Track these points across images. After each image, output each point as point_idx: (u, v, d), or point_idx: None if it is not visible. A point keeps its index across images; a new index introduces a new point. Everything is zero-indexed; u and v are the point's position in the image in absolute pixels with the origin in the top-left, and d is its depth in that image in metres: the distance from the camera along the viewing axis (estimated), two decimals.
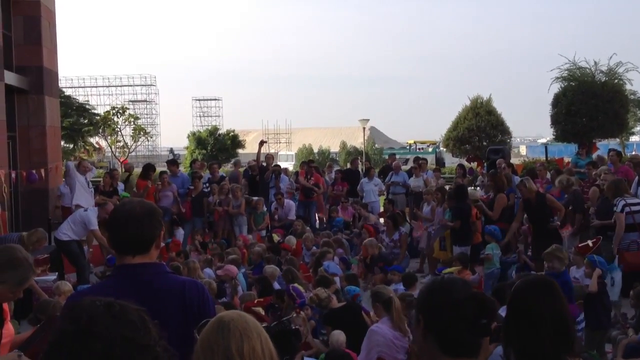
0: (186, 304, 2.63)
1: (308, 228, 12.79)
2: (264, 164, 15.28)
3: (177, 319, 2.58)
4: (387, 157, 27.95)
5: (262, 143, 15.93)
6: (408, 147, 50.45)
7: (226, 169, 32.60)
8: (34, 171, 13.60)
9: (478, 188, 14.32)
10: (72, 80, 70.43)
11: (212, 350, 1.87)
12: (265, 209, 13.91)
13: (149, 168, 13.65)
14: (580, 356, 3.45)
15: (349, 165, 18.99)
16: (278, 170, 15.29)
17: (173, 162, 14.96)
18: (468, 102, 28.21)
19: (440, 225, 10.81)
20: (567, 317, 2.67)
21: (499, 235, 9.70)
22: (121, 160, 34.10)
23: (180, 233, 12.74)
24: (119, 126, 33.92)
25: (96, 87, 74.83)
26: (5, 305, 3.64)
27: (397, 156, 33.22)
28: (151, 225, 2.64)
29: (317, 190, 15.06)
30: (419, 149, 46.10)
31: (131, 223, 2.59)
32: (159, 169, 16.25)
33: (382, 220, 13.53)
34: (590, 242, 8.45)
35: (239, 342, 1.86)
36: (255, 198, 13.98)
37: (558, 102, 24.57)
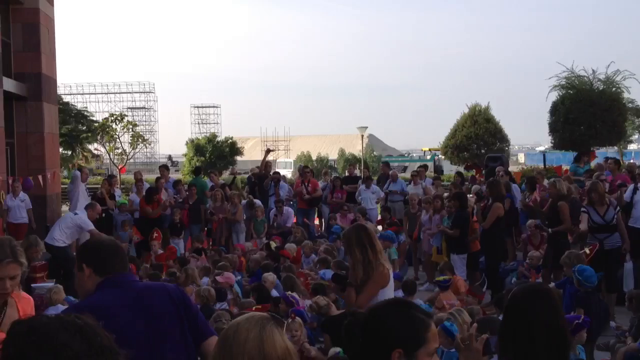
0: (173, 299, 2.92)
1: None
2: (263, 171, 15.32)
3: (171, 312, 2.87)
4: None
5: (268, 151, 16.12)
6: (423, 154, 50.28)
7: (224, 176, 32.56)
8: (29, 177, 13.60)
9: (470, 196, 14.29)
10: (70, 87, 70.71)
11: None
12: (264, 216, 13.93)
13: (153, 192, 13.38)
14: None
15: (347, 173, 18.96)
16: (277, 178, 15.31)
17: (166, 167, 15.27)
18: (466, 110, 28.26)
19: (439, 231, 10.79)
20: (563, 325, 2.67)
21: (394, 238, 9.68)
22: (119, 168, 34.07)
23: (178, 242, 12.75)
24: (117, 133, 33.86)
25: (95, 94, 75.06)
26: None
27: (396, 164, 33.21)
28: (126, 258, 3.14)
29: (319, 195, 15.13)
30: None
31: (118, 249, 3.05)
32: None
33: (379, 227, 13.50)
34: (587, 250, 8.44)
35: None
36: (257, 201, 13.99)
37: (556, 110, 24.58)
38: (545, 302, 2.65)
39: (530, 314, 2.60)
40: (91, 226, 10.24)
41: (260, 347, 1.80)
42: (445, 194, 12.89)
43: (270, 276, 8.62)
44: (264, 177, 15.09)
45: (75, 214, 10.66)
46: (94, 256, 2.95)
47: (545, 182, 13.46)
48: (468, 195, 12.30)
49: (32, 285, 8.96)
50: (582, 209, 9.03)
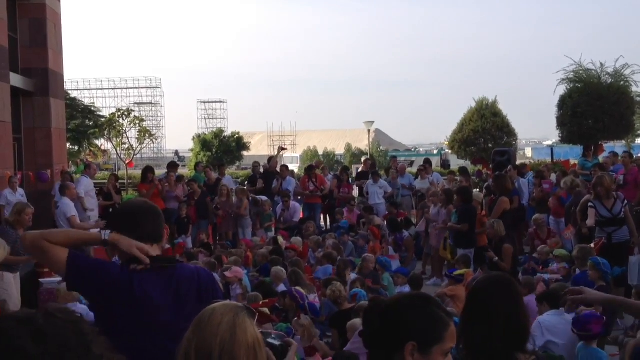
0: (202, 288, 2.88)
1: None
2: (267, 167, 15.41)
3: (195, 301, 2.81)
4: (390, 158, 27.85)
5: (281, 149, 16.27)
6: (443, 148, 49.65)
7: (231, 171, 32.59)
8: (44, 171, 13.62)
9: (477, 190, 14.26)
10: (77, 82, 70.94)
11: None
12: (271, 210, 13.95)
13: (147, 171, 13.62)
14: (536, 355, 3.46)
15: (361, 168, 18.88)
16: (282, 174, 15.34)
17: (174, 165, 15.05)
18: (473, 104, 28.12)
19: (446, 227, 10.75)
20: (522, 316, 2.71)
21: (390, 265, 9.51)
22: (126, 162, 34.13)
23: (186, 239, 12.76)
24: (124, 128, 33.90)
25: (102, 89, 75.37)
26: None
27: (403, 158, 33.17)
28: (161, 218, 2.96)
29: (325, 190, 15.12)
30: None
31: (149, 215, 2.88)
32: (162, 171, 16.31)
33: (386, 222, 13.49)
34: (592, 244, 8.43)
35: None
36: (263, 198, 14.01)
37: (564, 103, 24.45)
38: (505, 292, 2.70)
39: (490, 303, 2.66)
40: (73, 212, 10.27)
41: (232, 331, 1.93)
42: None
43: (276, 270, 8.62)
44: (271, 174, 15.15)
45: (57, 207, 10.73)
46: (123, 222, 2.84)
47: (553, 177, 13.43)
48: (476, 190, 12.29)
49: (40, 279, 8.99)
50: (589, 204, 8.98)
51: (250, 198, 13.96)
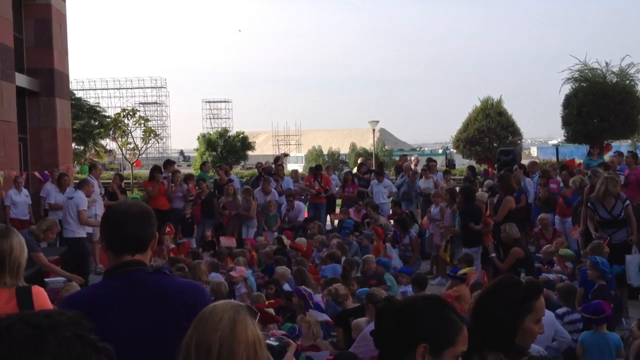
0: (187, 305, 2.54)
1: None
2: (271, 169, 15.50)
3: (176, 320, 2.49)
4: (397, 158, 27.79)
5: (284, 155, 16.62)
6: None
7: (236, 170, 32.60)
8: (45, 172, 13.65)
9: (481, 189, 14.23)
10: (83, 82, 71.11)
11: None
12: (276, 210, 13.93)
13: (155, 170, 13.61)
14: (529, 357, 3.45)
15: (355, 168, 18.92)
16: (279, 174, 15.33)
17: (170, 163, 14.86)
18: (478, 104, 28.06)
19: (450, 230, 10.73)
20: (516, 319, 2.65)
21: (389, 264, 9.50)
22: (132, 162, 34.17)
23: (191, 240, 12.75)
24: (129, 128, 33.91)
25: (107, 89, 75.52)
26: None
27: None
28: (150, 224, 2.64)
29: (328, 191, 15.10)
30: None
31: (131, 221, 2.57)
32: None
33: (391, 222, 13.47)
34: None
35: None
36: (268, 198, 14.01)
37: (569, 103, 24.40)
38: (502, 294, 2.65)
39: (492, 302, 2.62)
40: (84, 207, 10.27)
41: (232, 327, 1.95)
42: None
43: (281, 269, 8.62)
44: (270, 173, 15.24)
45: (71, 197, 10.72)
46: (104, 226, 2.62)
47: (558, 177, 13.38)
48: (481, 190, 12.25)
49: (46, 279, 9.00)
50: (588, 205, 8.91)
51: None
